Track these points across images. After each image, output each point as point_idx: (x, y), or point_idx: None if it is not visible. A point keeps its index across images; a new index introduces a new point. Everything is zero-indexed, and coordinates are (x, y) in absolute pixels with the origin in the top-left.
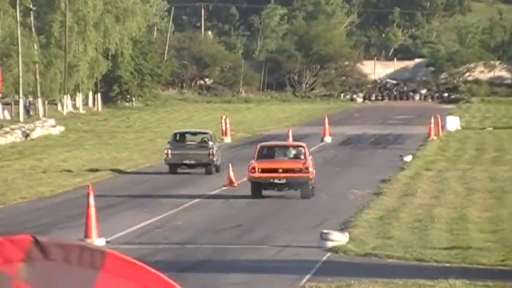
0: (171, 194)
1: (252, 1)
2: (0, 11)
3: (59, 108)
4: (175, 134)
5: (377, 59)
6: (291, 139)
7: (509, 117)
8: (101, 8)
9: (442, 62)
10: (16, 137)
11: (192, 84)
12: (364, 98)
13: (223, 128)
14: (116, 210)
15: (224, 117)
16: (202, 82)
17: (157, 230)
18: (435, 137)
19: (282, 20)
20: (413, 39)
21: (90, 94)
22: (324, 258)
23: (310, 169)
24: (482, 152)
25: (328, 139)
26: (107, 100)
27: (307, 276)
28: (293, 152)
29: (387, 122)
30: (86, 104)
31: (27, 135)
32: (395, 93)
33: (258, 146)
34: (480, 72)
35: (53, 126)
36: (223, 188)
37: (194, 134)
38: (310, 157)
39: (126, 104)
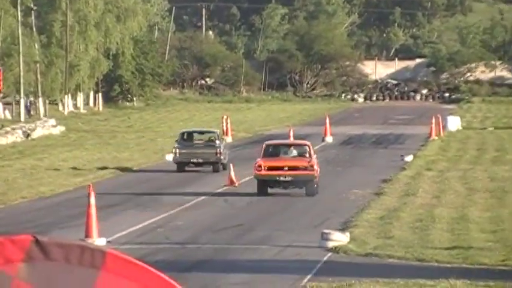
0: (172, 193)
1: (253, 1)
2: (1, 10)
3: (60, 108)
4: (182, 133)
5: (378, 59)
6: (292, 139)
7: (510, 117)
8: (101, 7)
9: (443, 62)
10: (17, 136)
11: (193, 84)
12: (365, 98)
13: (224, 128)
14: (117, 209)
15: (225, 117)
16: (203, 82)
17: (159, 230)
18: (436, 137)
19: (283, 19)
20: (414, 39)
21: (91, 94)
22: (325, 258)
23: (315, 167)
24: (483, 152)
25: (329, 139)
26: (108, 100)
27: (308, 276)
28: (298, 150)
29: (388, 122)
30: (86, 103)
31: (28, 135)
32: (396, 93)
33: (264, 144)
34: (481, 72)
35: (54, 126)
36: (224, 187)
37: (201, 133)
38: (315, 155)
39: (127, 103)
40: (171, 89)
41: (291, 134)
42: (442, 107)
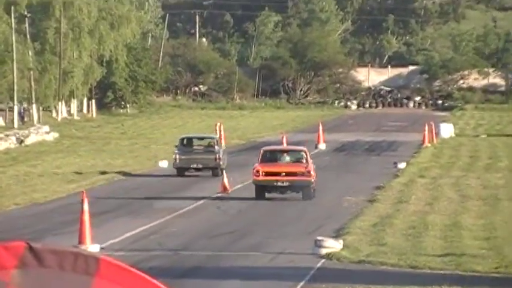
0: (166, 198)
1: (247, 8)
2: None
3: (54, 114)
4: (182, 139)
5: (371, 66)
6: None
7: (503, 125)
8: (95, 14)
9: (436, 69)
10: (10, 143)
11: (187, 90)
12: (358, 105)
13: (218, 135)
14: (110, 216)
15: (218, 124)
16: (196, 89)
17: (152, 237)
18: (429, 144)
19: (276, 27)
20: (408, 47)
21: (85, 100)
22: (318, 265)
23: (312, 173)
24: (476, 159)
25: (322, 146)
26: (102, 106)
27: (301, 283)
28: (295, 156)
29: (381, 129)
30: (80, 110)
31: (22, 142)
32: (389, 100)
33: (261, 150)
34: (474, 80)
35: (47, 133)
36: (218, 194)
37: (201, 138)
38: (311, 161)
39: (121, 110)
40: (165, 95)
41: (284, 141)
42: (435, 114)
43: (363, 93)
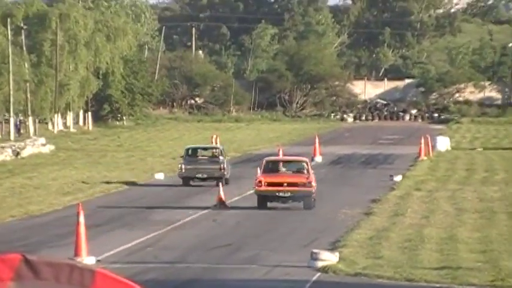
0: (162, 211)
1: (243, 21)
2: None
3: (50, 127)
4: (187, 149)
5: (367, 79)
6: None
7: (499, 138)
8: (91, 27)
9: (432, 82)
10: (6, 155)
11: (183, 103)
12: (355, 118)
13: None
14: (107, 228)
15: (215, 136)
16: (192, 101)
17: (148, 249)
18: (425, 157)
19: (273, 39)
20: (404, 60)
21: (81, 113)
22: (314, 278)
23: (313, 183)
24: (472, 172)
25: (318, 159)
26: (98, 119)
27: None
28: (297, 166)
29: (377, 142)
30: (76, 122)
31: (18, 154)
32: (385, 113)
33: (264, 161)
34: (470, 93)
35: (43, 145)
36: (214, 207)
37: (205, 149)
38: (312, 171)
39: (117, 122)
40: (161, 108)
41: (281, 153)
42: (431, 127)
43: (359, 106)
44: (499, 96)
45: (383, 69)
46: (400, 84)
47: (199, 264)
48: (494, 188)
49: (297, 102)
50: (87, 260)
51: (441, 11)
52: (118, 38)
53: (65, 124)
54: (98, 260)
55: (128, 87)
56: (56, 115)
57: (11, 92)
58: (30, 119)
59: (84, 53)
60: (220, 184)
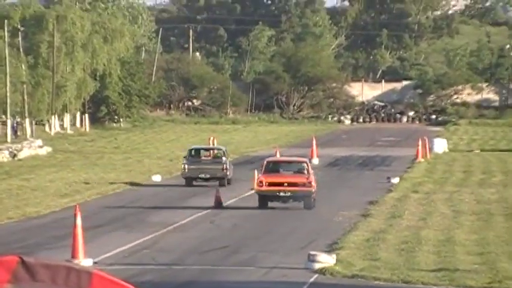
0: (159, 214)
1: (240, 22)
2: None
3: (47, 128)
4: (191, 150)
5: (365, 81)
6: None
7: (497, 140)
8: (88, 28)
9: (429, 84)
10: (3, 157)
11: (180, 105)
12: (352, 120)
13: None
14: (104, 230)
15: (212, 138)
16: (190, 103)
17: (145, 251)
18: (422, 159)
19: (270, 41)
20: (401, 61)
21: (78, 115)
22: (311, 279)
23: (313, 183)
24: (470, 174)
25: (315, 161)
26: (95, 121)
27: None
28: (297, 167)
29: (375, 143)
30: (73, 124)
31: (15, 156)
32: (382, 115)
33: (265, 161)
34: (468, 95)
35: (40, 147)
36: (211, 209)
37: (208, 149)
38: (312, 172)
39: (114, 124)
40: (158, 110)
41: (278, 155)
42: (429, 129)
43: (356, 108)
44: (496, 98)
45: (380, 71)
46: (398, 86)
47: (196, 266)
48: (491, 190)
49: (294, 104)
50: (85, 261)
51: (439, 12)
52: (115, 40)
53: (62, 126)
54: (95, 262)
55: (125, 89)
56: (53, 117)
57: (8, 94)
58: (27, 120)
59: (81, 54)
60: (218, 187)
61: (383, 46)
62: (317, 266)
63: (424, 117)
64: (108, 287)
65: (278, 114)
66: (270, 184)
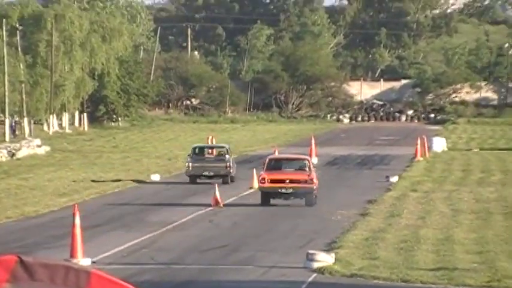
0: (158, 213)
1: (239, 21)
2: None
3: (45, 128)
4: (194, 148)
5: (363, 80)
6: None
7: (495, 139)
8: (87, 27)
9: (428, 83)
10: (2, 156)
11: (179, 104)
12: (351, 119)
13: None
14: (103, 229)
15: (210, 137)
16: (188, 102)
17: (144, 250)
18: (421, 158)
19: (269, 40)
20: (400, 60)
21: (76, 114)
22: (310, 279)
23: (314, 180)
24: (469, 173)
25: (314, 160)
26: (93, 120)
27: None
28: (299, 164)
29: (373, 142)
30: (72, 123)
31: (13, 155)
32: (381, 114)
33: (267, 159)
34: (466, 94)
35: (39, 146)
36: (210, 208)
37: (212, 147)
38: (314, 169)
39: (112, 123)
40: (157, 109)
41: (276, 154)
42: (428, 128)
43: (355, 107)
44: (495, 96)
45: (379, 70)
46: (396, 84)
47: (194, 265)
48: (490, 189)
49: (293, 103)
50: (83, 261)
51: (437, 11)
52: (113, 39)
53: (60, 125)
54: (93, 261)
55: (124, 88)
56: (51, 116)
57: (6, 93)
58: (26, 120)
59: (80, 53)
60: (216, 185)
61: (382, 45)
62: (316, 265)
63: (422, 116)
64: (106, 287)
65: (277, 113)
66: (272, 181)
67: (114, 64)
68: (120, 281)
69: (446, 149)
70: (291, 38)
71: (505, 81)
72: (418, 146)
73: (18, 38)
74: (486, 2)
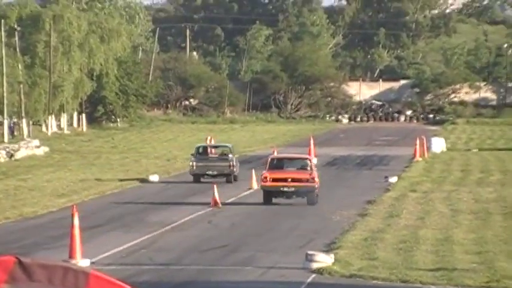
0: (158, 213)
1: (237, 22)
2: None
3: (44, 128)
4: (198, 148)
5: (362, 80)
6: None
7: (494, 139)
8: (85, 28)
9: (427, 83)
10: (0, 157)
11: (177, 104)
12: (350, 119)
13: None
14: (101, 230)
15: (209, 137)
16: (187, 103)
17: (143, 251)
18: (420, 158)
19: (267, 40)
20: (399, 61)
21: (75, 114)
22: (309, 279)
23: (316, 179)
24: (468, 173)
25: (313, 160)
26: (92, 120)
27: None
28: (300, 163)
29: (372, 143)
30: (70, 124)
31: (12, 156)
32: (380, 114)
33: (269, 158)
34: (465, 94)
35: (38, 147)
36: (210, 208)
37: (215, 147)
38: (315, 168)
39: (111, 124)
40: (155, 109)
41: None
42: (427, 128)
43: (354, 107)
44: (494, 96)
45: (378, 70)
46: (395, 85)
47: (193, 266)
48: (489, 189)
49: (292, 103)
50: (82, 262)
51: (436, 11)
52: (112, 40)
53: (59, 126)
54: (92, 262)
55: (122, 89)
56: (49, 117)
57: (5, 94)
58: (24, 120)
59: (78, 54)
60: (215, 186)
61: (380, 45)
62: (315, 265)
63: (421, 116)
64: (105, 287)
65: (276, 114)
66: (275, 180)
67: (113, 65)
68: (119, 281)
69: (445, 149)
70: (290, 39)
71: (504, 81)
72: (417, 147)
73: (16, 38)
74: (485, 2)
